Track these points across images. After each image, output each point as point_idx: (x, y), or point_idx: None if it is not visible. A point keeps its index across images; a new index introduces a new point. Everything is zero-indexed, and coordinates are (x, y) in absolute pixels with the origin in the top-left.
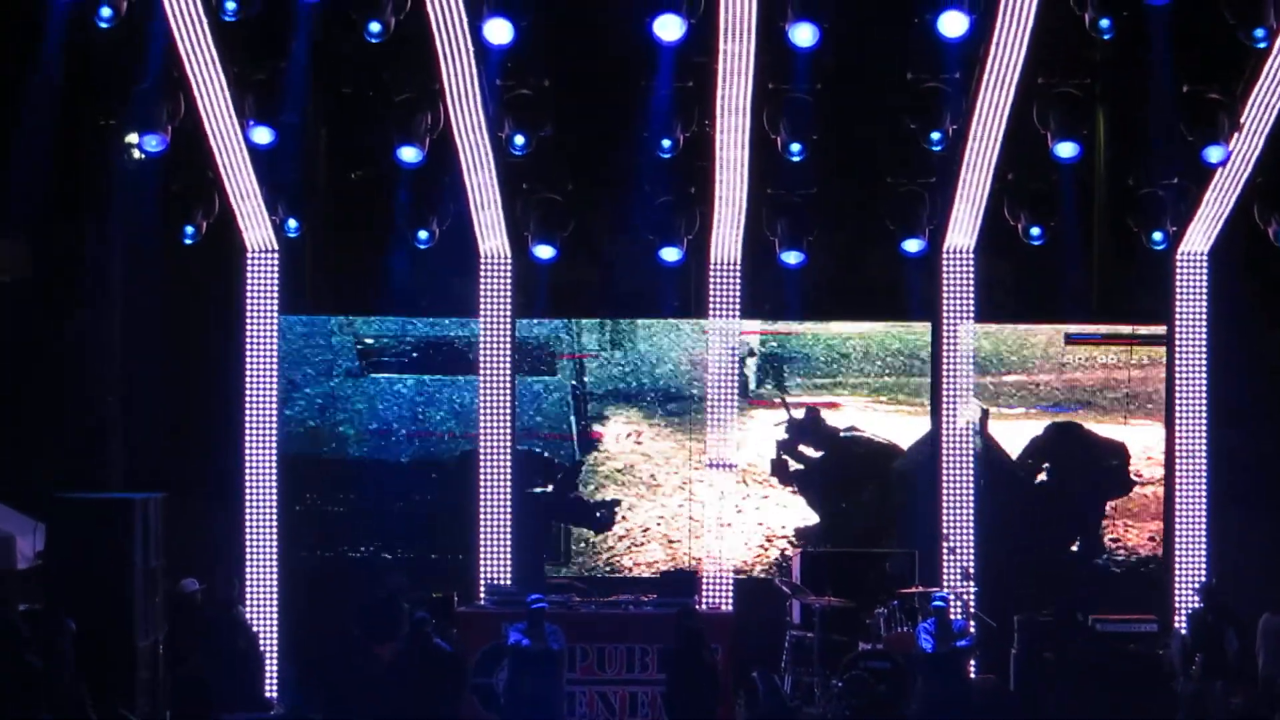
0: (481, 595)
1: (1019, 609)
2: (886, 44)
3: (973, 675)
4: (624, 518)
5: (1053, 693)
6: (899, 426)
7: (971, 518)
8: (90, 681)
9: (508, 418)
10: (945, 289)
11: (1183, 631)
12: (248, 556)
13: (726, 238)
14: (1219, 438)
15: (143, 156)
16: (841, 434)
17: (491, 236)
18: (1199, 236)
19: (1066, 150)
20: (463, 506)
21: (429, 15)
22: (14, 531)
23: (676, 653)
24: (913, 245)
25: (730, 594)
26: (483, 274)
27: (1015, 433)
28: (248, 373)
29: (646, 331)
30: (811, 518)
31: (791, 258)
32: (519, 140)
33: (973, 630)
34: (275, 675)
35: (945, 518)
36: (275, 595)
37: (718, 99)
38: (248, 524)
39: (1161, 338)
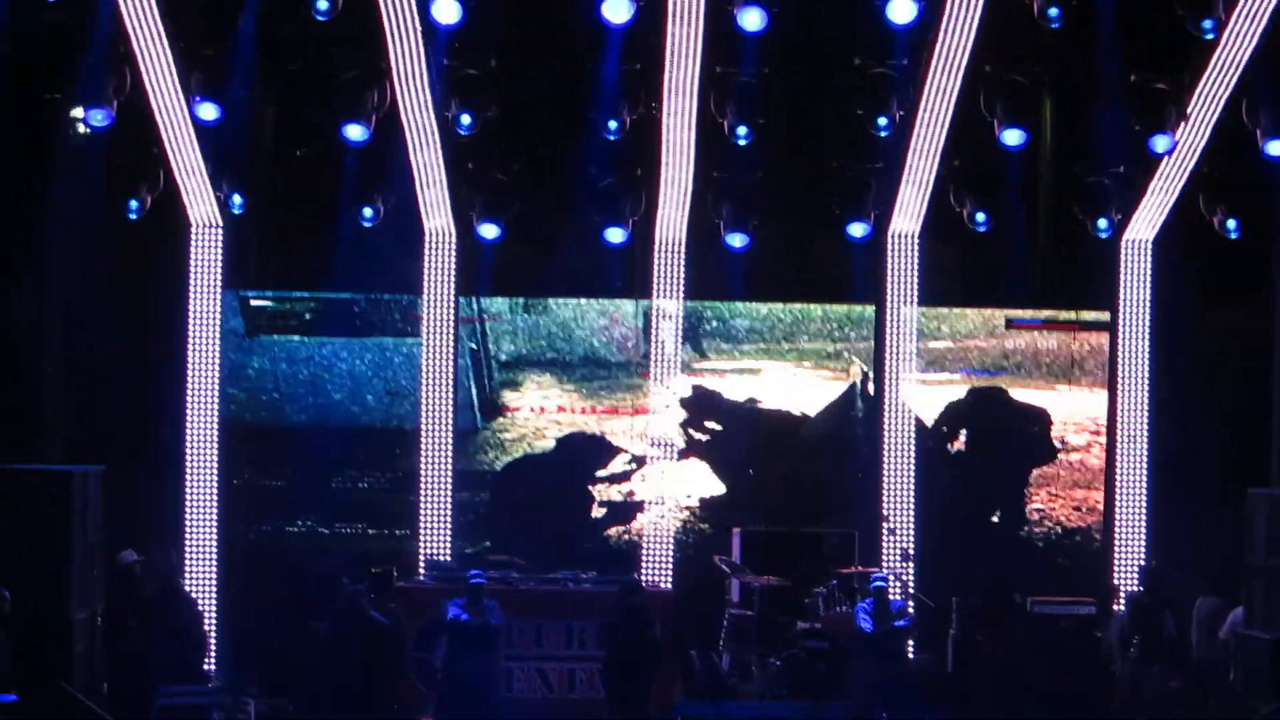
0: (421, 571)
1: (956, 589)
2: (834, 29)
3: (911, 656)
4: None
5: (990, 674)
6: (822, 392)
7: (912, 497)
8: (26, 655)
9: (450, 395)
10: (890, 273)
11: (1122, 614)
12: (187, 531)
13: (672, 220)
14: (1159, 423)
15: (88, 130)
16: (744, 405)
17: (437, 215)
18: (1144, 225)
19: (1013, 137)
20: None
21: None
22: None
23: (616, 626)
24: (858, 229)
25: (670, 572)
26: (427, 252)
27: (942, 398)
28: (190, 347)
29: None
30: (718, 488)
31: (736, 240)
32: (465, 120)
33: (911, 610)
34: (215, 649)
35: (885, 498)
36: (215, 569)
37: (665, 82)
38: (188, 498)
39: (1104, 324)
